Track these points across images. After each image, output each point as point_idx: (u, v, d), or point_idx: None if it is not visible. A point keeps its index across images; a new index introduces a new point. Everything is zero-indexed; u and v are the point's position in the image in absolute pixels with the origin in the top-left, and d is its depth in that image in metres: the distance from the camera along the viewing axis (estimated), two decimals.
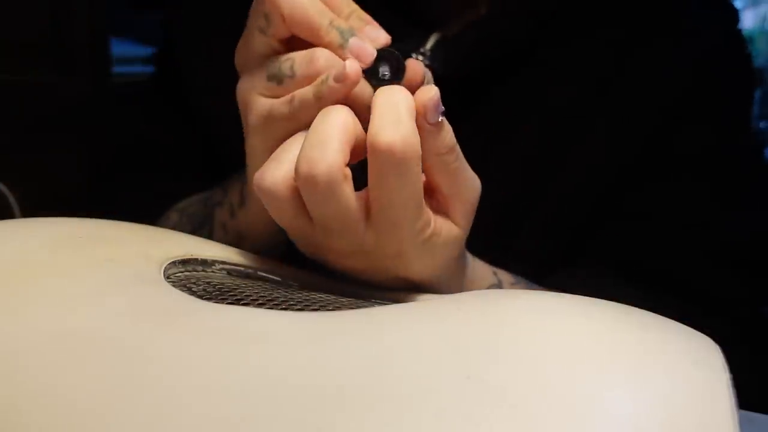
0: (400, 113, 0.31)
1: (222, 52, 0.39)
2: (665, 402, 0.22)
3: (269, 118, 0.35)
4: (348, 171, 0.31)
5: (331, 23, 0.34)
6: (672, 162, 0.51)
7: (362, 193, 0.32)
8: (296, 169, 0.31)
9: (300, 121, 0.34)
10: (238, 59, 0.37)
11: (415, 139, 0.31)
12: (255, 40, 0.36)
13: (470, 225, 0.36)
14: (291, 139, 0.34)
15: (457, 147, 0.34)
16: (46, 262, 0.30)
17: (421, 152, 0.31)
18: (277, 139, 0.35)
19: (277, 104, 0.35)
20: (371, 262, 0.34)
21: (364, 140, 0.32)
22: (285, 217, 0.34)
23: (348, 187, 0.31)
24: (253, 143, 0.37)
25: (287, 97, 0.34)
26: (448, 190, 0.35)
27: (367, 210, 0.32)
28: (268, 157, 0.34)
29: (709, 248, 0.51)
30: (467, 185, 0.35)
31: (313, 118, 0.32)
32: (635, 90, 0.51)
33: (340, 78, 0.32)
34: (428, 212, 0.34)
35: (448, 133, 0.33)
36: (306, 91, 0.34)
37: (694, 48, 0.51)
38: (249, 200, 0.44)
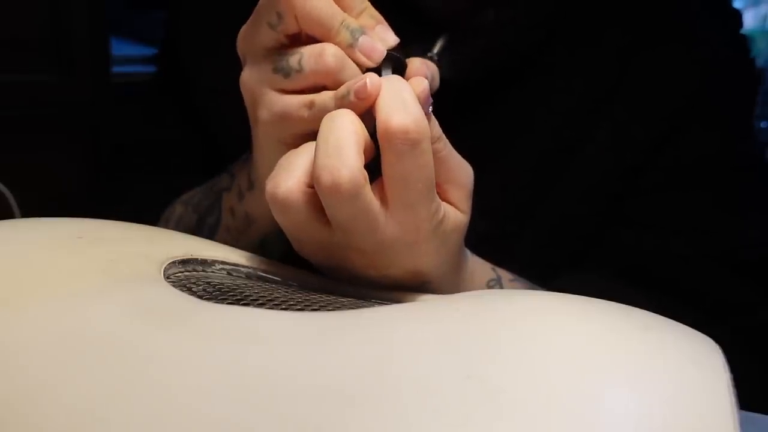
0: (406, 98, 0.32)
1: (227, 51, 0.39)
2: (665, 402, 0.22)
3: (284, 116, 0.36)
4: (365, 173, 0.32)
5: (342, 23, 0.35)
6: (676, 168, 0.51)
7: (376, 186, 0.33)
8: (317, 179, 0.31)
9: (318, 123, 0.34)
10: (241, 47, 0.38)
11: (424, 120, 0.32)
12: (262, 34, 0.36)
13: (470, 210, 0.37)
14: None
15: (444, 136, 0.35)
16: (46, 262, 0.30)
17: (430, 133, 0.32)
18: (291, 134, 0.36)
19: (294, 106, 0.35)
20: (386, 257, 0.35)
21: (370, 141, 0.32)
22: (300, 224, 0.34)
23: (368, 188, 0.32)
24: (263, 135, 0.38)
25: (306, 101, 0.35)
26: (442, 178, 0.35)
27: (384, 201, 0.33)
28: (278, 147, 0.35)
29: (715, 254, 0.51)
30: (459, 170, 0.36)
31: None
32: (641, 96, 0.51)
33: (362, 95, 0.33)
34: (437, 197, 0.34)
35: (435, 123, 0.34)
36: (327, 101, 0.34)
37: (701, 54, 0.51)
38: (258, 183, 0.44)
